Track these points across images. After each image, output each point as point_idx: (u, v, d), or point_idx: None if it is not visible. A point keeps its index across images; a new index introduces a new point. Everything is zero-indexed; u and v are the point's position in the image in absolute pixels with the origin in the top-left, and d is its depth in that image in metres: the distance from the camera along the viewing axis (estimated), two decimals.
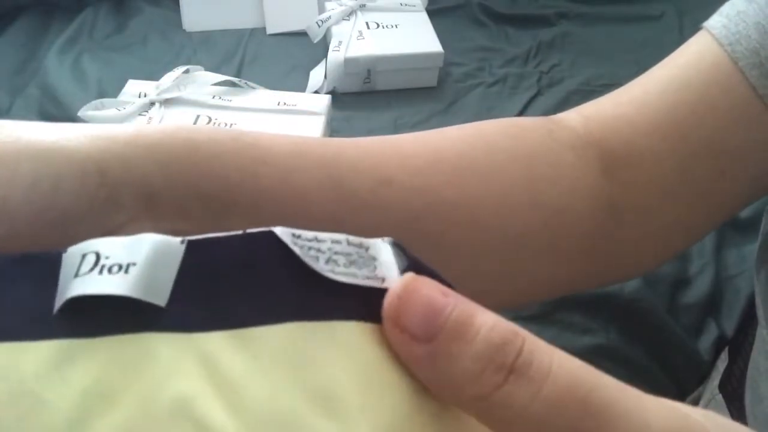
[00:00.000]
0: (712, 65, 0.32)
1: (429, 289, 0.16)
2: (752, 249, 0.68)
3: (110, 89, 0.78)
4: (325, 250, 0.16)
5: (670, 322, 0.61)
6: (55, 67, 0.82)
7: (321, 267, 0.16)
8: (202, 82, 0.76)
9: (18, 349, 0.15)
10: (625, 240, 0.34)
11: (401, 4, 0.90)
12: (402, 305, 0.15)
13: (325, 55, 0.83)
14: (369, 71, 0.82)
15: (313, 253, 0.16)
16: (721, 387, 0.50)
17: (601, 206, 0.33)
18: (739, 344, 0.51)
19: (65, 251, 0.16)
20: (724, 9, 0.33)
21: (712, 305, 0.64)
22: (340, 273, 0.16)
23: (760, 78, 0.31)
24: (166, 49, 0.88)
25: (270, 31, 0.92)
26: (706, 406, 0.52)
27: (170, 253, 0.15)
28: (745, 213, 0.70)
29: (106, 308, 0.15)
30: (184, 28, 0.92)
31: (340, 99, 0.82)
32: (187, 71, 0.76)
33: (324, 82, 0.82)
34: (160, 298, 0.15)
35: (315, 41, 0.86)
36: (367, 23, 0.86)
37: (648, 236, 0.34)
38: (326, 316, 0.16)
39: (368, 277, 0.16)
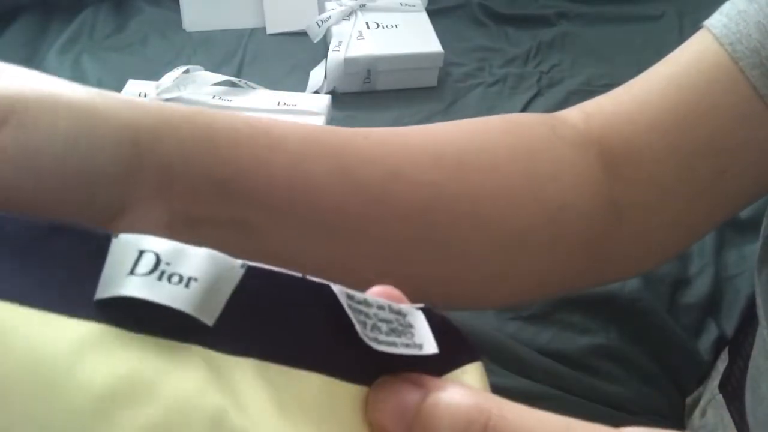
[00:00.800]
0: (712, 64, 0.32)
1: (400, 389, 0.16)
2: (752, 249, 0.68)
3: (110, 89, 0.77)
4: (371, 316, 0.17)
5: (670, 322, 0.61)
6: (55, 67, 0.82)
7: (367, 333, 0.16)
8: (202, 82, 0.76)
9: (53, 321, 0.14)
10: (625, 237, 0.34)
11: (401, 4, 0.90)
12: (377, 405, 0.16)
13: (325, 55, 0.83)
14: (369, 71, 0.82)
15: (362, 318, 0.16)
16: (721, 387, 0.50)
17: (601, 203, 0.33)
18: (739, 344, 0.51)
19: (115, 236, 0.15)
20: (725, 8, 0.33)
21: (712, 305, 0.64)
22: (383, 342, 0.16)
23: (760, 78, 0.31)
24: (166, 49, 0.88)
25: (270, 31, 0.92)
26: (706, 406, 0.52)
27: (229, 275, 0.16)
28: (745, 213, 0.70)
29: (150, 307, 0.15)
30: (184, 28, 0.92)
31: (340, 99, 0.82)
32: (187, 71, 0.76)
33: (324, 82, 0.82)
34: (210, 317, 0.15)
35: (315, 41, 0.86)
36: (367, 23, 0.86)
37: (648, 234, 0.35)
38: (359, 380, 0.17)
39: (407, 345, 0.17)
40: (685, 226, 0.35)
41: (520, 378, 0.52)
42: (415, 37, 0.86)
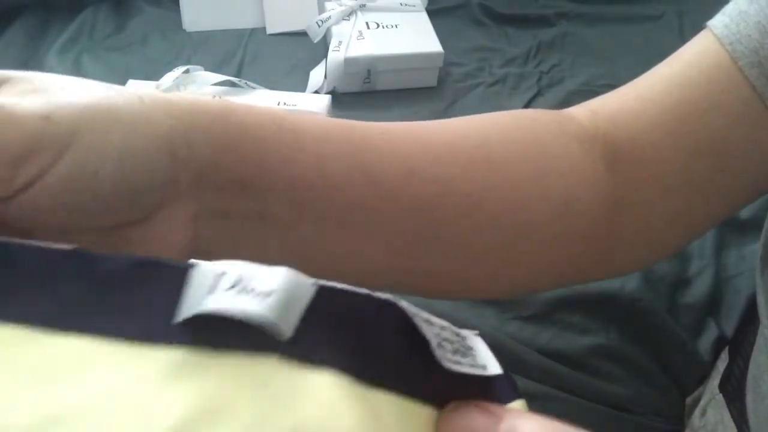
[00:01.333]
0: (713, 64, 0.33)
1: (472, 414, 0.17)
2: (752, 249, 0.68)
3: None
4: (436, 334, 0.17)
5: (670, 322, 0.61)
6: (55, 67, 0.82)
7: (435, 351, 0.17)
8: (202, 82, 0.76)
9: (139, 352, 0.15)
10: (626, 233, 0.35)
11: (401, 4, 0.90)
12: (449, 429, 0.17)
13: (325, 55, 0.83)
14: (369, 71, 0.82)
15: (429, 335, 0.17)
16: (721, 387, 0.50)
17: (605, 199, 0.33)
18: (739, 344, 0.51)
19: (195, 266, 0.17)
20: (728, 8, 0.33)
21: (712, 305, 0.64)
22: (450, 360, 0.17)
23: (759, 77, 0.31)
24: (166, 49, 0.88)
25: (270, 31, 0.92)
26: (706, 406, 0.52)
27: (303, 291, 0.16)
28: (745, 213, 0.70)
29: (229, 324, 0.15)
30: (184, 28, 0.92)
31: (340, 99, 0.82)
32: (187, 71, 0.76)
33: (324, 82, 0.82)
34: (288, 329, 0.16)
35: (315, 41, 0.86)
36: (367, 23, 0.86)
37: (649, 231, 0.35)
38: (429, 400, 0.17)
39: (473, 365, 0.17)
40: (685, 222, 0.35)
41: (520, 378, 0.52)
42: (415, 37, 0.86)
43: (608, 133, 0.34)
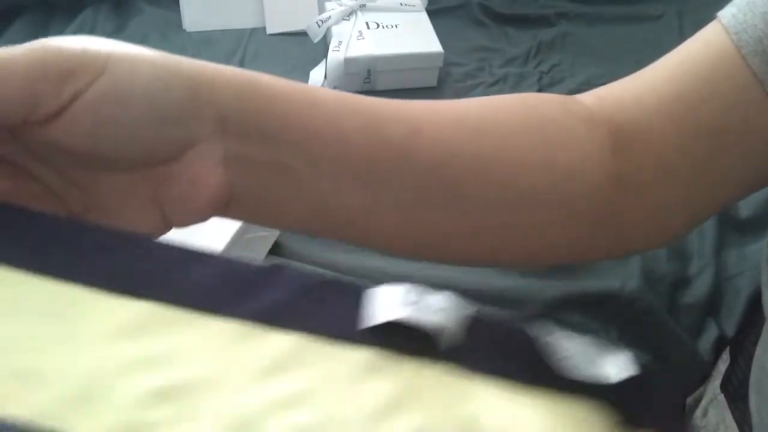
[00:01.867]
0: (717, 52, 0.34)
1: None
2: (752, 249, 0.68)
3: None
4: (565, 349, 0.21)
5: (670, 322, 0.61)
6: None
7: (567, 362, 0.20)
8: None
9: (338, 349, 0.19)
10: (628, 213, 0.36)
11: (401, 4, 0.90)
12: None
13: (325, 55, 0.83)
14: (369, 71, 0.82)
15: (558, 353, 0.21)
16: (723, 387, 0.50)
17: (607, 177, 0.35)
18: (741, 344, 0.51)
19: (370, 287, 0.21)
20: None
21: (712, 305, 0.64)
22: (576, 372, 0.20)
23: (761, 65, 0.32)
24: (166, 49, 0.86)
25: (270, 31, 0.92)
26: (707, 406, 0.52)
27: (465, 312, 0.20)
28: (745, 213, 0.70)
29: (406, 334, 0.19)
30: (184, 28, 0.92)
31: None
32: None
33: (324, 82, 0.82)
34: (456, 339, 0.20)
35: (315, 41, 0.86)
36: (367, 23, 0.86)
37: (650, 212, 0.37)
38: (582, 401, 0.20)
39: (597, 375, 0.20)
40: (686, 206, 0.36)
41: None
42: (415, 37, 0.86)
43: (613, 116, 0.35)
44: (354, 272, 0.58)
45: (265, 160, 0.27)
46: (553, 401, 0.19)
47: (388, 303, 0.20)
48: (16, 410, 0.16)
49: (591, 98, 0.36)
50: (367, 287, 0.20)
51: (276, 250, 0.59)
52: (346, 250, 0.63)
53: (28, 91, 0.22)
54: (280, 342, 0.19)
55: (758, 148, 0.34)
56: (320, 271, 0.57)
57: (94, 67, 0.23)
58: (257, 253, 0.58)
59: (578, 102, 0.36)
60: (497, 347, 0.20)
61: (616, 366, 0.21)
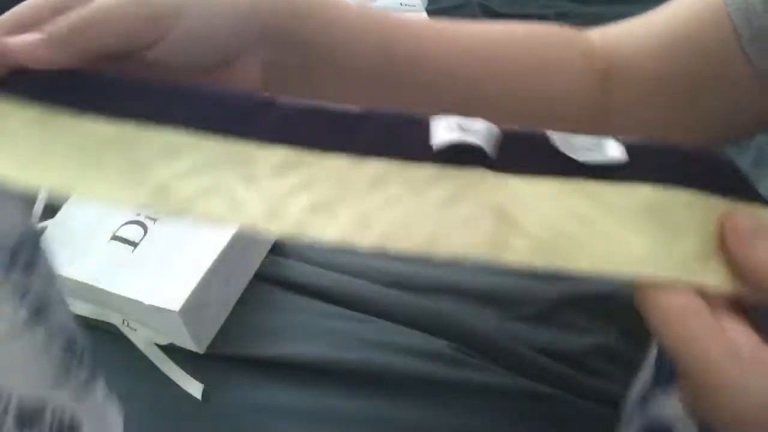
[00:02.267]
0: (707, 5, 0.39)
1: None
2: None
3: None
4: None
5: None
6: None
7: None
8: None
9: (413, 169, 0.27)
10: (612, 131, 0.41)
11: (401, 4, 0.90)
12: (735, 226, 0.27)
13: None
14: None
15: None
16: None
17: (593, 101, 0.42)
18: None
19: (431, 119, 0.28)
20: None
21: None
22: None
23: (742, 21, 0.37)
24: None
25: None
26: None
27: (496, 130, 0.28)
28: None
29: (458, 151, 0.26)
30: None
31: None
32: None
33: None
34: (493, 152, 0.27)
35: None
36: None
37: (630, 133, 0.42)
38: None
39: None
40: (664, 135, 0.41)
41: (520, 378, 0.52)
42: None
43: (610, 52, 0.42)
44: (354, 272, 0.58)
45: (293, 64, 0.35)
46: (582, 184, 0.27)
47: (444, 129, 0.26)
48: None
49: (597, 34, 0.44)
50: (431, 118, 0.27)
51: (276, 250, 0.60)
52: (347, 251, 0.63)
53: (141, 27, 0.30)
54: (374, 167, 0.27)
55: (730, 98, 0.39)
56: (320, 271, 0.58)
57: (174, 11, 0.31)
58: (258, 253, 0.58)
59: (583, 37, 0.44)
60: (525, 152, 0.27)
61: (616, 149, 0.27)
